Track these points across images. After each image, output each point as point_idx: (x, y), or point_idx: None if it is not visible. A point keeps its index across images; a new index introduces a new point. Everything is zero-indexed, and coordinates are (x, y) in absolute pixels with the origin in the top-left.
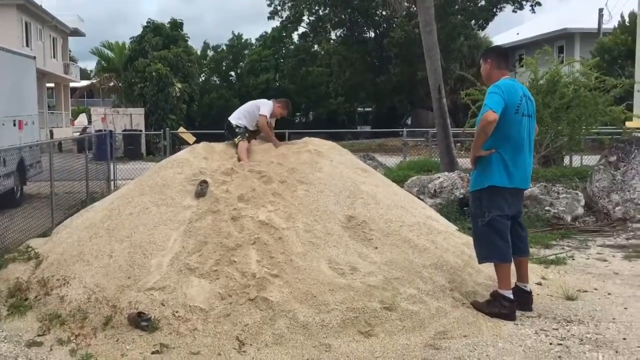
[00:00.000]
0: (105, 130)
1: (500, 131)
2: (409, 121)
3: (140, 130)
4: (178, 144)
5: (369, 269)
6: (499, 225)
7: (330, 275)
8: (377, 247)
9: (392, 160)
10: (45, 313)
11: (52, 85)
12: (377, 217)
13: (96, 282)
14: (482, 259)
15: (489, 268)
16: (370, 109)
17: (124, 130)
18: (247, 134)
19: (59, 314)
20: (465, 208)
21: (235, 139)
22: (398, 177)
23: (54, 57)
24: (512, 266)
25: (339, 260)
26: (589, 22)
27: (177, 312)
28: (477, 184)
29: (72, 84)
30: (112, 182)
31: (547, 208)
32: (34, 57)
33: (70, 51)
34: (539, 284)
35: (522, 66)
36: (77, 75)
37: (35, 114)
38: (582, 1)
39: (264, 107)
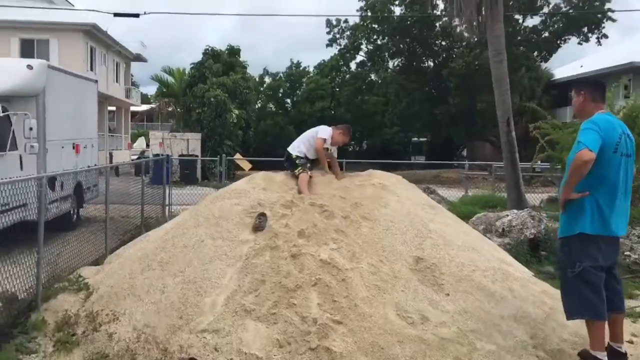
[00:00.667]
0: (162, 155)
1: (595, 172)
2: (464, 153)
3: (197, 156)
4: (233, 170)
5: (441, 319)
6: (592, 278)
7: (398, 324)
8: (448, 294)
9: (453, 194)
10: (92, 352)
11: (113, 108)
12: (448, 260)
13: (146, 321)
14: (571, 314)
15: (574, 322)
16: (424, 139)
17: (180, 155)
18: (308, 165)
19: (107, 354)
20: (543, 252)
21: (296, 170)
22: (462, 212)
23: (116, 81)
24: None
25: (408, 308)
26: None
27: (231, 359)
28: (567, 229)
29: (132, 108)
30: (167, 207)
31: (626, 253)
32: (96, 81)
33: (132, 76)
34: (630, 342)
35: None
36: (138, 99)
37: (94, 137)
38: None
39: (323, 131)
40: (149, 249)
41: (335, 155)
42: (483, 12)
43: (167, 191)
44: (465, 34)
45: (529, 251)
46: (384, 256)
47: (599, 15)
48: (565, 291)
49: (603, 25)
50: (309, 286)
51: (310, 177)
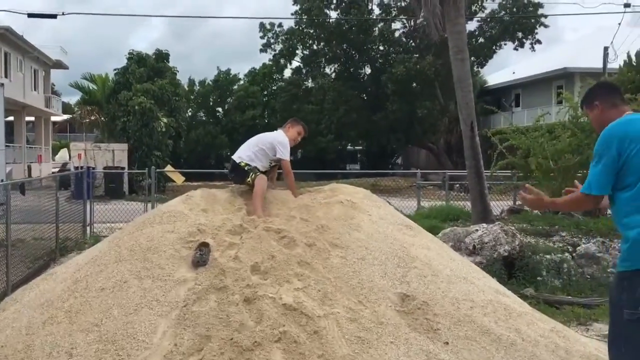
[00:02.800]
0: (82, 168)
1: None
2: (399, 160)
3: (123, 168)
4: (164, 182)
5: None
6: None
7: None
8: (447, 342)
9: (404, 205)
10: None
11: (32, 118)
12: (440, 296)
13: None
14: None
15: None
16: (359, 147)
17: (105, 168)
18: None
19: None
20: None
21: (249, 178)
22: (423, 227)
23: (34, 89)
24: None
25: None
26: (588, 62)
27: None
28: (630, 261)
29: (53, 118)
30: (88, 227)
31: (610, 270)
32: (1, 84)
33: (54, 85)
34: None
35: (561, 102)
36: (59, 108)
37: (1, 149)
38: (580, 41)
39: (282, 147)
40: (55, 292)
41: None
42: (444, 5)
43: (87, 208)
44: (427, 29)
45: (504, 271)
46: (362, 295)
47: (532, 21)
48: (618, 337)
49: (536, 31)
50: (271, 342)
51: (269, 181)
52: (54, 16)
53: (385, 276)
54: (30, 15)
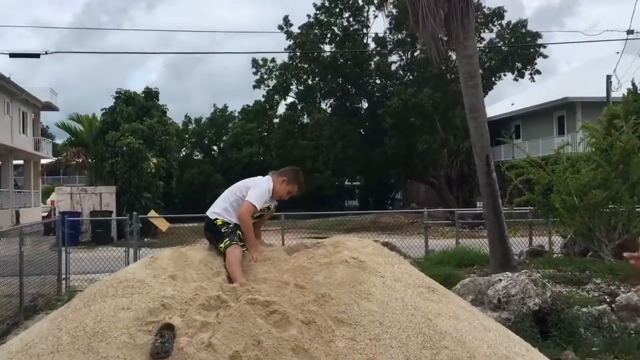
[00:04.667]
0: (56, 216)
1: None
2: (398, 195)
3: (110, 212)
4: (154, 226)
5: None
6: None
7: None
8: None
9: (410, 245)
10: None
11: (20, 162)
12: None
13: None
14: None
15: None
16: (357, 183)
17: (91, 212)
18: (238, 233)
19: None
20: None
21: (221, 244)
22: (437, 275)
23: (23, 132)
24: None
25: None
26: (589, 91)
27: None
28: None
29: (43, 161)
30: (63, 280)
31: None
32: None
33: (47, 127)
34: None
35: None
36: (49, 151)
37: None
38: (578, 70)
39: (255, 189)
40: None
41: (274, 210)
42: (451, 26)
43: (62, 258)
44: (431, 52)
45: (536, 329)
46: None
47: (532, 51)
48: None
49: (536, 61)
50: None
51: (245, 251)
52: (37, 55)
53: None
54: (13, 55)
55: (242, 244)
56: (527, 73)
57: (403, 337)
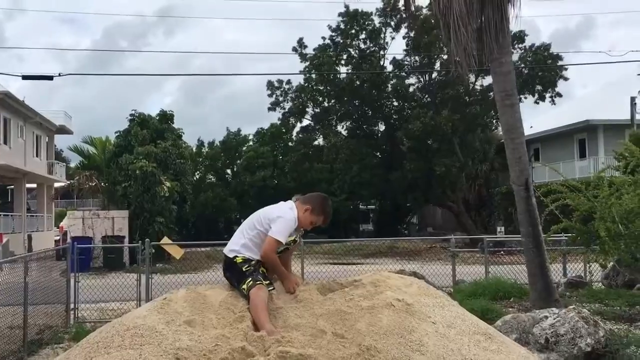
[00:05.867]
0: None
1: None
2: (414, 219)
3: (123, 237)
4: (167, 253)
5: None
6: None
7: None
8: None
9: (434, 272)
10: None
11: (34, 185)
12: None
13: None
14: None
15: None
16: (372, 206)
17: (103, 237)
18: (261, 271)
19: None
20: None
21: (244, 285)
22: (473, 310)
23: (36, 155)
24: None
25: None
26: (610, 113)
27: None
28: None
29: (56, 184)
30: (72, 311)
31: None
32: None
33: (61, 151)
34: None
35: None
36: (63, 174)
37: None
38: (599, 92)
39: (279, 222)
40: None
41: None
42: (485, 40)
43: (72, 287)
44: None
45: None
46: None
47: (552, 73)
48: None
49: (557, 84)
50: None
51: (271, 291)
52: (50, 77)
53: None
54: (25, 78)
55: (267, 282)
56: (547, 96)
57: None
